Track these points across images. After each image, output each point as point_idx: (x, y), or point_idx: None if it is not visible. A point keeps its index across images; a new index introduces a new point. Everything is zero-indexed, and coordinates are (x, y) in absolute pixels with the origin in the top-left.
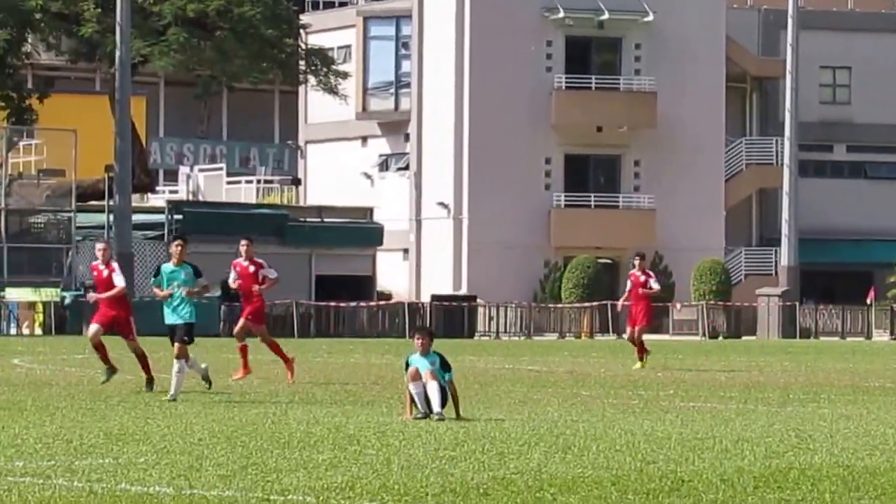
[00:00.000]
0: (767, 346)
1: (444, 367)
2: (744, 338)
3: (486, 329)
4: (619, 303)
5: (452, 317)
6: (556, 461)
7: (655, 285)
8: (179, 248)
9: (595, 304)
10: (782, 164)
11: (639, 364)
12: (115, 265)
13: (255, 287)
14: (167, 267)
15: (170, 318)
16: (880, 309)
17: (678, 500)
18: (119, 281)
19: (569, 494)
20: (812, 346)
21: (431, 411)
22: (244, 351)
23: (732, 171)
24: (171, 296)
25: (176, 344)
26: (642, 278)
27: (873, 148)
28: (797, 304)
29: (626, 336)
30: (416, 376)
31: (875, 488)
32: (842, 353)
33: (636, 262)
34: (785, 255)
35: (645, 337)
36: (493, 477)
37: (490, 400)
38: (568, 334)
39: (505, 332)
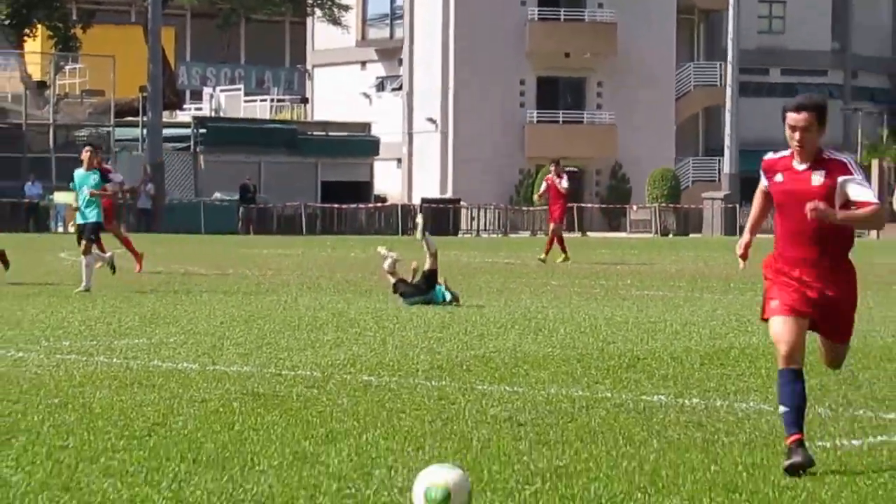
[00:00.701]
0: (711, 242)
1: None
2: (691, 235)
3: (469, 227)
4: (535, 197)
5: (439, 217)
6: (529, 341)
7: (565, 183)
8: (88, 154)
9: None
10: (725, 86)
11: (543, 256)
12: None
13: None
14: (79, 172)
15: (79, 219)
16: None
17: (634, 375)
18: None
19: (540, 370)
20: None
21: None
22: (127, 243)
23: (682, 92)
24: (79, 208)
25: (83, 242)
26: (556, 180)
27: (803, 71)
28: (737, 206)
29: (551, 230)
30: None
31: (806, 363)
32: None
33: (552, 168)
34: (727, 164)
35: (606, 234)
36: (474, 355)
37: (472, 289)
38: (539, 232)
39: (485, 230)
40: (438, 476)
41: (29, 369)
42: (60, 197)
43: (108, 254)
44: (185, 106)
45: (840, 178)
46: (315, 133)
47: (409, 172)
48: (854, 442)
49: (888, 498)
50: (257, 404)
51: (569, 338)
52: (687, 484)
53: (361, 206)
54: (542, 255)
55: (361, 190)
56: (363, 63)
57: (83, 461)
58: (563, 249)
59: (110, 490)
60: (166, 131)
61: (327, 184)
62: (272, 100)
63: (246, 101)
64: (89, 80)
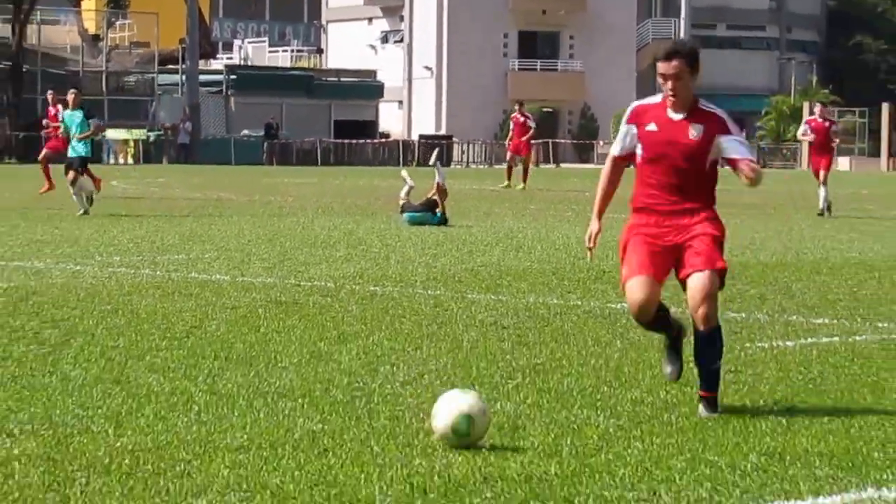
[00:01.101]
0: None
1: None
2: None
3: (460, 160)
4: (507, 141)
5: (434, 150)
6: (511, 257)
7: (532, 124)
8: (73, 95)
9: (540, 141)
10: (679, 38)
11: (521, 185)
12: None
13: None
14: (67, 112)
15: (70, 153)
16: (750, 144)
17: (601, 286)
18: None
19: (520, 281)
20: None
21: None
22: (47, 171)
23: (641, 44)
24: (68, 139)
25: (70, 172)
26: (521, 119)
27: (744, 27)
28: None
29: (513, 163)
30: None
31: (746, 277)
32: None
33: (517, 108)
34: None
35: (577, 166)
36: (465, 268)
37: (462, 212)
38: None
39: (473, 162)
40: (460, 404)
41: (85, 280)
42: (111, 133)
43: (91, 188)
44: (217, 55)
45: (720, 138)
46: (328, 79)
47: (409, 113)
48: (788, 343)
49: (817, 390)
50: (279, 310)
51: (545, 254)
52: (646, 378)
53: (368, 141)
54: (521, 185)
55: (368, 128)
56: (370, 19)
57: (131, 359)
58: (516, 177)
59: (154, 383)
60: (202, 77)
61: (339, 122)
62: (292, 50)
63: (270, 52)
64: (136, 34)
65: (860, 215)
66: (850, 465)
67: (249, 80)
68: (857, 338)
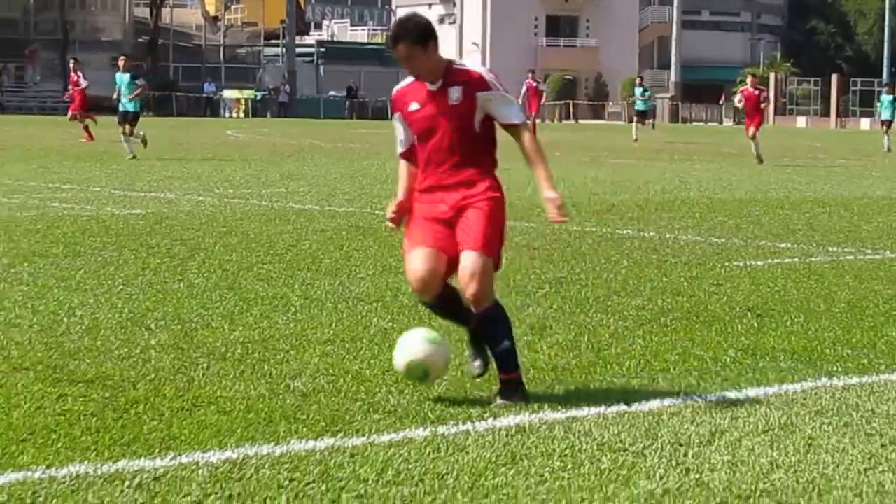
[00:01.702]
0: (662, 126)
1: None
2: (647, 122)
3: None
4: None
5: None
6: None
7: (543, 87)
8: (123, 60)
9: (561, 102)
10: (672, 22)
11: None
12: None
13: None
14: (118, 74)
15: (122, 108)
16: (727, 106)
17: (611, 217)
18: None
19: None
20: (688, 128)
21: None
22: (86, 127)
23: (643, 26)
24: (120, 96)
25: (126, 125)
26: (534, 84)
27: (723, 13)
28: (679, 103)
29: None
30: None
31: (724, 211)
32: (704, 132)
33: (530, 75)
34: (672, 74)
35: (592, 121)
36: None
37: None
38: (546, 120)
39: None
40: (415, 351)
41: (206, 208)
42: (227, 93)
43: (142, 133)
44: (310, 33)
45: (480, 94)
46: None
47: None
48: (758, 263)
49: (781, 300)
50: (358, 233)
51: (567, 190)
52: (646, 290)
53: None
54: None
55: None
56: (430, 4)
57: (242, 270)
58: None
59: (260, 289)
60: (298, 49)
61: None
62: (369, 29)
63: (350, 30)
64: (247, 15)
65: (814, 163)
66: (808, 359)
67: (335, 52)
68: (813, 259)
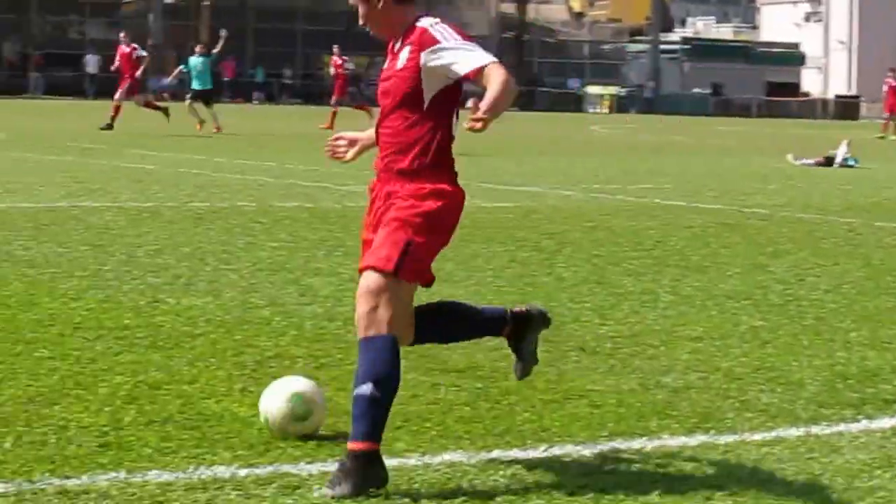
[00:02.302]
0: None
1: None
2: None
3: (867, 114)
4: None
5: (848, 108)
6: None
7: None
8: (200, 47)
9: None
10: None
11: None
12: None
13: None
14: (192, 58)
15: (195, 86)
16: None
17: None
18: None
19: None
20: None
21: None
22: (155, 107)
23: None
24: (182, 74)
25: (199, 101)
26: (894, 83)
27: None
28: None
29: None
30: None
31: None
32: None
33: (891, 73)
34: None
35: None
36: (871, 201)
37: (868, 157)
38: None
39: (878, 117)
40: (298, 385)
41: (572, 202)
42: (591, 89)
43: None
44: (674, 29)
45: (425, 56)
46: (762, 49)
47: (826, 77)
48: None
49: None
50: (725, 230)
51: None
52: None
53: (792, 99)
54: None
55: (792, 88)
56: (795, 3)
57: (610, 264)
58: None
59: (628, 284)
60: (662, 46)
61: (769, 83)
62: (733, 27)
63: (715, 27)
64: (611, 11)
65: None
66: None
67: (699, 49)
68: None
